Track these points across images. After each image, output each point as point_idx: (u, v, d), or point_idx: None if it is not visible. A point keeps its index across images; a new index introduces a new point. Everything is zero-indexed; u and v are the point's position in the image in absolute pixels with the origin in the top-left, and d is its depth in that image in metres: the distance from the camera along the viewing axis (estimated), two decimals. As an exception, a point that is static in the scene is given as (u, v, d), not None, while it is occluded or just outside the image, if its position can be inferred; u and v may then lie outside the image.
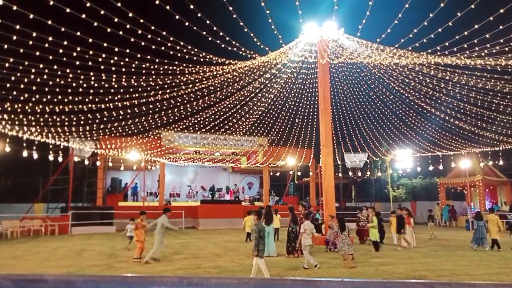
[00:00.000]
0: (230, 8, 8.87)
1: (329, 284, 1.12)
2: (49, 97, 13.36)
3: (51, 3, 7.73)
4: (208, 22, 9.34)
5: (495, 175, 27.41)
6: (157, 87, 14.60)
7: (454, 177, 28.20)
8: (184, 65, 12.52)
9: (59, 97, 13.61)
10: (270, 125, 23.27)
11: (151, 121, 18.85)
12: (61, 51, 9.95)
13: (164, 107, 17.46)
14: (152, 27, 9.16)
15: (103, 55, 10.50)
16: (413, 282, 1.07)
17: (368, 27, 11.43)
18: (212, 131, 23.57)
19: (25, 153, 17.86)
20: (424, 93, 18.75)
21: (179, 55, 11.30)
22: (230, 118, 20.89)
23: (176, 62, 12.07)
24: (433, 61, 13.71)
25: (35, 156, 18.21)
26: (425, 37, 10.55)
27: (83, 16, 8.41)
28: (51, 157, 19.62)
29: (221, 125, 21.75)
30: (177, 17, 8.90)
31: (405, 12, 9.16)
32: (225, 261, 10.32)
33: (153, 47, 10.34)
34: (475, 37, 10.24)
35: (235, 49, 11.44)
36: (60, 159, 20.71)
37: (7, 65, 10.24)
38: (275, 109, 21.43)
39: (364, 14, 10.43)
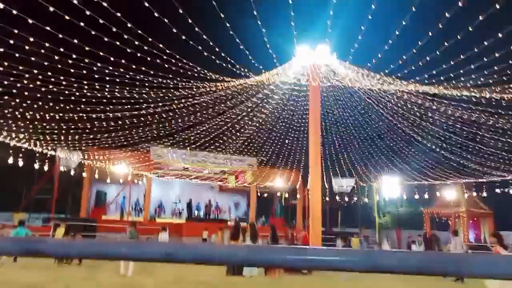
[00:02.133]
0: (227, 25, 9.13)
1: (316, 251, 1.21)
2: (40, 103, 13.34)
3: (51, 9, 7.87)
4: (204, 37, 9.57)
5: (479, 207, 27.79)
6: (150, 100, 14.70)
7: (439, 207, 28.50)
8: (178, 79, 12.68)
9: (51, 104, 13.60)
10: (260, 145, 23.42)
11: (141, 134, 18.84)
12: (56, 57, 10.04)
13: (156, 121, 17.51)
14: (149, 39, 9.34)
15: (98, 64, 10.60)
16: (394, 251, 1.15)
17: (359, 53, 11.82)
18: (202, 147, 23.60)
19: (10, 160, 17.63)
20: (412, 122, 19.18)
21: (173, 68, 11.47)
22: (221, 136, 20.99)
23: (170, 75, 12.23)
24: (421, 90, 14.12)
25: (21, 163, 17.98)
26: (413, 65, 10.93)
27: (82, 24, 8.55)
28: (36, 166, 19.38)
29: (212, 142, 21.82)
30: (174, 30, 9.10)
31: (395, 39, 9.53)
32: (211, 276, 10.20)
33: (149, 58, 10.50)
34: (461, 67, 10.65)
35: (229, 65, 11.67)
36: (45, 168, 20.47)
37: (1, 69, 10.26)
38: (266, 129, 21.64)
39: (356, 40, 10.81)
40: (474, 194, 26.23)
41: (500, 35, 8.25)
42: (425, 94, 15.07)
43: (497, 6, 7.30)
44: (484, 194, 24.03)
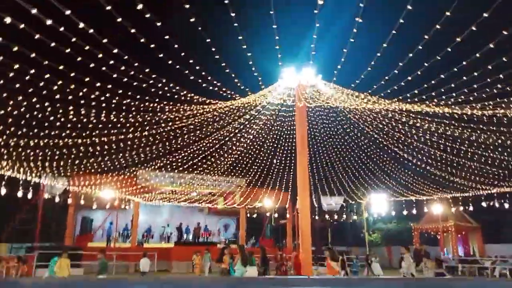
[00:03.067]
0: (213, 49, 9.25)
1: (297, 281, 1.21)
2: (24, 130, 13.15)
3: (37, 36, 7.87)
4: (191, 61, 9.66)
5: (466, 221, 28.07)
6: (136, 124, 14.64)
7: (428, 222, 28.69)
8: (165, 102, 12.70)
9: (35, 130, 13.41)
10: (248, 166, 23.39)
11: (128, 158, 18.66)
12: (41, 84, 9.98)
13: (142, 145, 17.39)
14: (135, 64, 9.38)
15: (84, 90, 10.57)
16: (376, 278, 1.16)
17: (343, 73, 12.07)
18: (190, 170, 23.43)
19: (-8, 189, 17.17)
20: (397, 139, 19.48)
21: (160, 92, 11.51)
22: (209, 157, 20.93)
23: (157, 99, 12.25)
24: (405, 108, 14.42)
25: (3, 192, 17.53)
26: (395, 84, 11.20)
27: (68, 50, 8.55)
28: (20, 194, 18.91)
29: (199, 164, 21.72)
30: (160, 55, 9.18)
31: (377, 60, 9.78)
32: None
33: (135, 83, 10.52)
34: (443, 85, 10.96)
35: (216, 88, 11.77)
36: (29, 196, 19.98)
37: (-16, 96, 10.14)
38: (254, 150, 21.67)
39: (339, 61, 11.06)
40: (461, 208, 26.53)
41: (478, 55, 8.56)
42: (408, 112, 15.39)
43: (474, 28, 7.60)
44: (471, 208, 24.31)
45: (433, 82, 10.46)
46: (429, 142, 19.29)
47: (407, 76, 10.44)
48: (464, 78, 10.27)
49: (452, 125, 15.79)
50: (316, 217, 27.49)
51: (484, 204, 23.06)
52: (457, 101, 12.27)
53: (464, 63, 9.07)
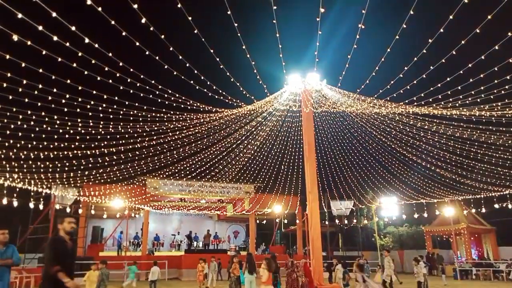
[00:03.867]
0: (217, 59, 9.33)
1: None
2: (34, 143, 13.36)
3: (44, 52, 8.03)
4: (195, 71, 9.75)
5: (479, 223, 27.62)
6: (144, 134, 14.78)
7: (439, 225, 28.30)
8: (172, 112, 12.81)
9: (45, 143, 13.62)
10: (256, 172, 23.40)
11: (136, 167, 18.81)
12: (50, 98, 10.15)
13: (150, 154, 17.53)
14: (141, 76, 9.50)
15: (92, 102, 10.72)
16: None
17: (348, 78, 12.07)
18: (198, 177, 23.51)
19: (5, 201, 17.45)
20: (405, 142, 19.34)
21: (166, 102, 11.62)
22: (217, 165, 20.99)
23: (164, 109, 12.36)
24: (411, 111, 14.34)
25: (15, 204, 17.79)
26: (401, 88, 11.15)
27: (74, 65, 8.70)
28: (31, 205, 19.17)
29: (207, 171, 21.79)
30: (166, 66, 9.28)
31: (382, 64, 9.77)
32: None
33: (142, 94, 10.64)
34: (449, 88, 10.88)
35: (221, 97, 11.84)
36: (41, 206, 20.24)
37: (-6, 110, 10.34)
38: (261, 156, 21.68)
39: (344, 66, 11.06)
40: (473, 210, 26.14)
41: (483, 57, 8.50)
42: (415, 115, 15.30)
43: (477, 31, 7.56)
44: (483, 210, 23.95)
45: (439, 85, 10.40)
46: (438, 144, 19.12)
47: (413, 80, 10.39)
48: (471, 80, 10.20)
49: (461, 126, 15.64)
50: (326, 222, 27.33)
51: (496, 205, 22.72)
52: (464, 103, 12.17)
53: (470, 65, 9.00)
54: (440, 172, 21.23)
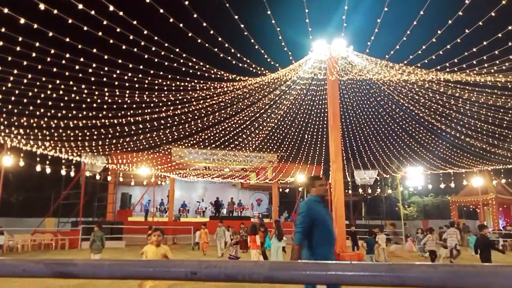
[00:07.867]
0: (242, 26, 9.13)
1: (339, 266, 1.20)
2: (64, 112, 13.72)
3: (70, 21, 8.06)
4: (220, 39, 9.60)
5: (508, 193, 26.95)
6: (169, 103, 14.88)
7: (466, 195, 27.80)
8: (196, 81, 12.78)
9: (74, 112, 13.96)
10: (280, 141, 23.36)
11: (162, 136, 19.11)
12: (77, 67, 10.29)
13: (175, 123, 17.72)
14: (166, 44, 9.44)
15: (118, 71, 10.80)
16: (418, 264, 1.13)
17: (377, 44, 11.60)
18: (222, 146, 23.72)
19: (38, 168, 18.21)
20: (434, 110, 18.73)
21: (191, 71, 11.57)
22: (240, 134, 21.06)
23: (188, 78, 12.34)
24: (443, 78, 13.75)
25: (48, 171, 18.54)
26: (433, 53, 10.65)
27: (100, 33, 8.71)
28: (63, 172, 19.96)
29: (231, 140, 21.92)
30: (190, 34, 9.17)
31: (413, 29, 9.31)
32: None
33: (166, 63, 10.62)
34: (484, 53, 10.31)
35: (245, 65, 11.68)
36: (72, 174, 21.06)
37: (25, 81, 10.60)
38: (285, 126, 21.56)
39: (373, 31, 10.61)
40: (503, 181, 25.46)
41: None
42: (446, 82, 14.68)
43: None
44: (514, 180, 23.30)
45: (474, 49, 9.86)
46: (469, 113, 18.42)
47: (446, 45, 9.88)
48: (510, 43, 9.60)
49: (495, 94, 14.94)
50: (349, 192, 27.29)
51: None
52: (501, 68, 11.55)
53: (510, 27, 8.44)
54: (470, 142, 20.59)
